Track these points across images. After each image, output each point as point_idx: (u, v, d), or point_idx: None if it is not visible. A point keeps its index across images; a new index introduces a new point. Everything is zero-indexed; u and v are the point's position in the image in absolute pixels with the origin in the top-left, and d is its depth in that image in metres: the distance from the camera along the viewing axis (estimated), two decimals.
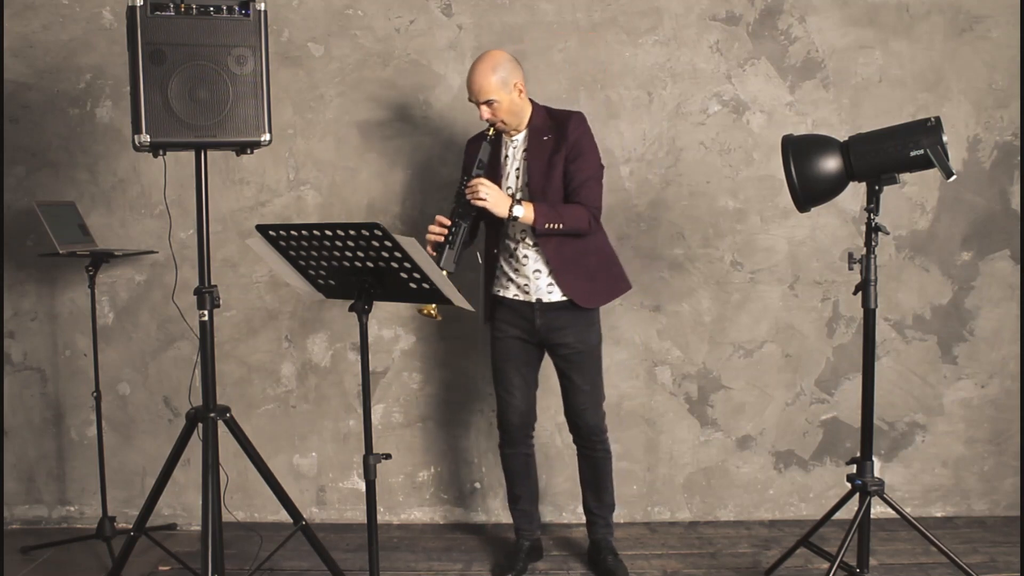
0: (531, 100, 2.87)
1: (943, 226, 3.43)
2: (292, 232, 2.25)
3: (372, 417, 2.82)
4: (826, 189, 2.61)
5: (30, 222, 3.37)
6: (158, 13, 2.39)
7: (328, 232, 2.19)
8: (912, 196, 3.41)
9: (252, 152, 2.58)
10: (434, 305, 2.62)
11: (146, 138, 2.41)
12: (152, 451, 3.50)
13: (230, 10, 2.45)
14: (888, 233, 2.64)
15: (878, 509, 2.85)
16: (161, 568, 3.09)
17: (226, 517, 2.78)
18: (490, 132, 2.79)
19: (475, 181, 2.70)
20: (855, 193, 3.09)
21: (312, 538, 2.70)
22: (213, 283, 2.60)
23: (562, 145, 2.78)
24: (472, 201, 2.69)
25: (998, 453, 3.50)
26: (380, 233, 2.10)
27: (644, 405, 3.49)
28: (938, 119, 2.47)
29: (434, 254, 2.71)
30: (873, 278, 2.59)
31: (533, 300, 2.85)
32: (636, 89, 3.39)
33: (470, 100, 2.79)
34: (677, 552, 3.21)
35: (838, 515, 2.83)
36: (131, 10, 2.38)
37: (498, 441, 3.05)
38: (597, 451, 2.97)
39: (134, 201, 3.45)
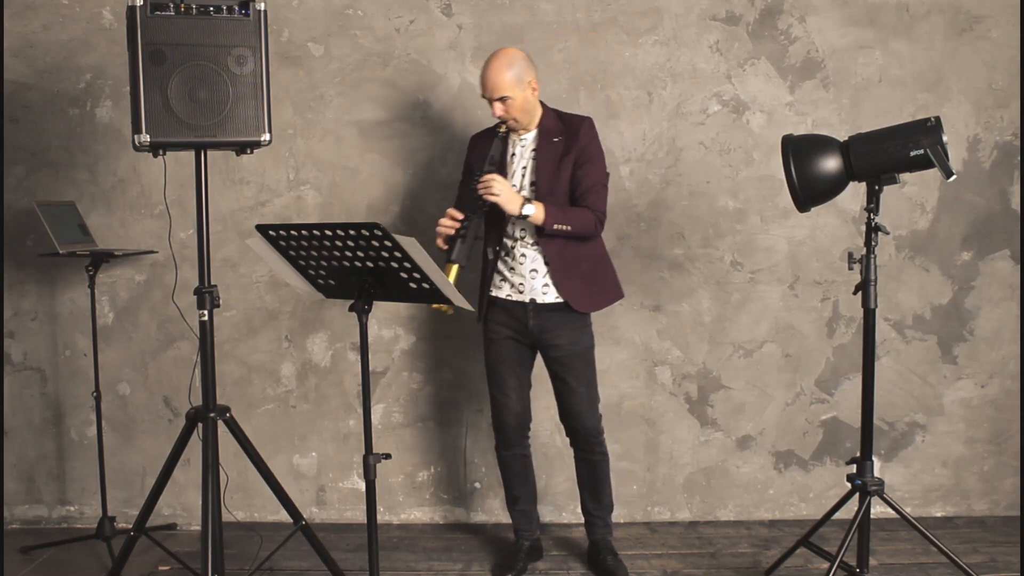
0: (540, 101, 2.87)
1: (943, 226, 3.43)
2: (292, 232, 2.25)
3: (372, 417, 2.82)
4: (826, 189, 2.61)
5: (30, 222, 3.37)
6: (158, 13, 2.39)
7: (328, 232, 2.19)
8: (912, 196, 3.41)
9: (252, 152, 2.58)
10: None
11: (146, 138, 2.40)
12: (152, 451, 3.50)
13: (230, 10, 2.45)
14: (888, 233, 2.64)
15: (878, 509, 2.85)
16: (161, 568, 3.09)
17: (226, 517, 2.78)
18: (501, 129, 2.79)
19: (488, 176, 2.69)
20: (855, 193, 3.09)
21: (312, 538, 2.70)
22: (213, 283, 2.60)
23: (572, 148, 2.78)
24: (484, 196, 2.68)
25: (998, 453, 3.50)
26: (380, 233, 2.10)
27: (644, 405, 3.48)
28: (938, 119, 2.46)
29: (446, 247, 2.71)
30: (873, 278, 2.59)
31: (527, 300, 2.84)
32: (636, 89, 3.39)
33: (483, 96, 2.78)
34: (677, 552, 3.21)
35: (838, 515, 2.83)
36: (131, 10, 2.38)
37: (494, 443, 3.05)
38: (595, 454, 2.97)
39: (134, 201, 3.45)
